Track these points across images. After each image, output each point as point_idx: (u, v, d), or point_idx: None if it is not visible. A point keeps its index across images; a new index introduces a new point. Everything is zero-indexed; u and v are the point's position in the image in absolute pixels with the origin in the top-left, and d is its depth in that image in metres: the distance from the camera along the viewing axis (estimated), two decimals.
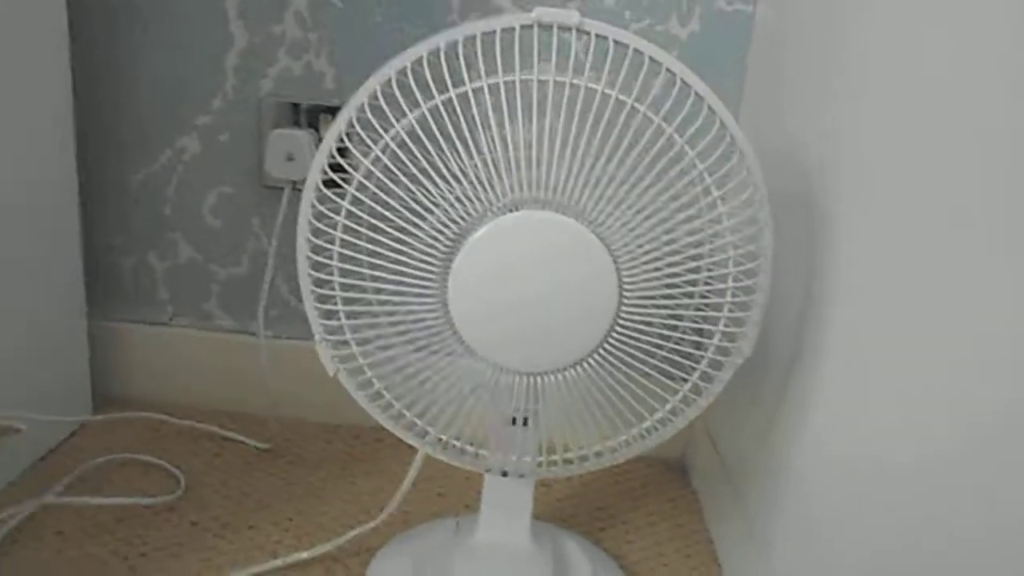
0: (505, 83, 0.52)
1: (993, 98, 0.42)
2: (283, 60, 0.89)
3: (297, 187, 0.91)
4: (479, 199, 0.54)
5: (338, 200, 0.56)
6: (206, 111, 0.91)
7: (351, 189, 0.55)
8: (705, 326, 0.58)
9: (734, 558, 0.75)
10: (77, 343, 0.90)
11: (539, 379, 0.57)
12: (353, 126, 0.55)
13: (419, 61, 0.54)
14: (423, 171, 0.54)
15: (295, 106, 0.90)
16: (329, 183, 0.57)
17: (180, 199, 0.94)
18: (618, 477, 0.92)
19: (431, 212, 0.54)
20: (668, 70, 0.54)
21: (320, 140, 0.90)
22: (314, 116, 0.90)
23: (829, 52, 0.65)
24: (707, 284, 0.56)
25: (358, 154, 0.55)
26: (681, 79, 0.54)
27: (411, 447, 0.63)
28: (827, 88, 0.65)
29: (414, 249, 0.55)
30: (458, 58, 0.53)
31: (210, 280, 0.96)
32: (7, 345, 0.77)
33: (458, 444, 0.63)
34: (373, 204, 0.55)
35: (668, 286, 0.55)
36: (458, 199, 0.54)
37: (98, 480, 0.82)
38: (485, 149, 0.53)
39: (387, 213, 0.55)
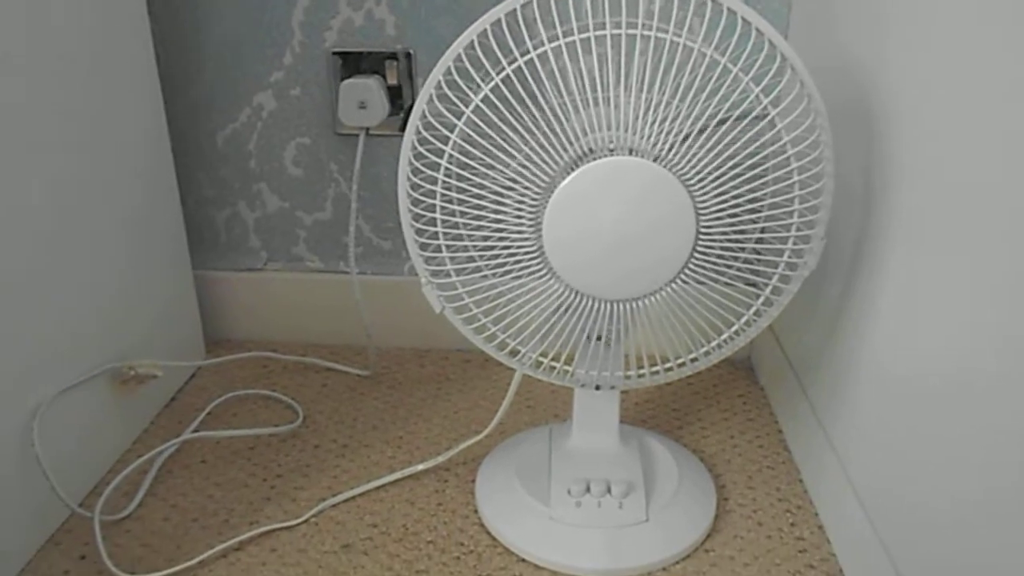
0: (580, 40, 0.57)
1: None
2: (345, 11, 0.93)
3: (370, 133, 0.96)
4: (569, 144, 0.59)
5: (435, 157, 0.62)
6: (278, 68, 0.96)
7: (449, 149, 0.61)
8: (774, 244, 0.63)
9: (801, 444, 0.83)
10: (187, 293, 0.99)
11: (624, 305, 0.64)
12: (441, 87, 0.61)
13: (498, 23, 0.59)
14: (509, 124, 0.59)
15: (359, 55, 0.95)
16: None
17: (262, 152, 1.00)
18: (691, 379, 0.99)
19: (532, 158, 0.60)
20: (729, 9, 0.58)
21: (387, 86, 0.96)
22: (379, 63, 0.95)
23: None
24: (773, 205, 0.62)
25: (447, 113, 0.60)
26: (742, 17, 0.58)
27: (498, 364, 0.71)
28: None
29: (516, 192, 0.61)
30: (535, 18, 0.58)
31: (297, 226, 1.04)
32: (130, 301, 0.86)
33: (554, 364, 0.70)
34: (464, 157, 0.61)
35: (739, 211, 0.61)
36: (547, 146, 0.60)
37: (226, 415, 0.92)
38: (567, 101, 0.58)
39: (488, 162, 0.60)
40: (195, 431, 0.88)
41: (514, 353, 0.69)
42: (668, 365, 0.69)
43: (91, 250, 0.79)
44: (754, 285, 0.65)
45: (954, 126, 0.54)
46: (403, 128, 0.95)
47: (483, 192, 0.61)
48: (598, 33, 0.57)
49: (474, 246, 0.64)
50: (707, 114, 0.57)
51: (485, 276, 0.64)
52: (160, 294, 0.93)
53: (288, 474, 0.82)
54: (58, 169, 0.73)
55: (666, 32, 0.57)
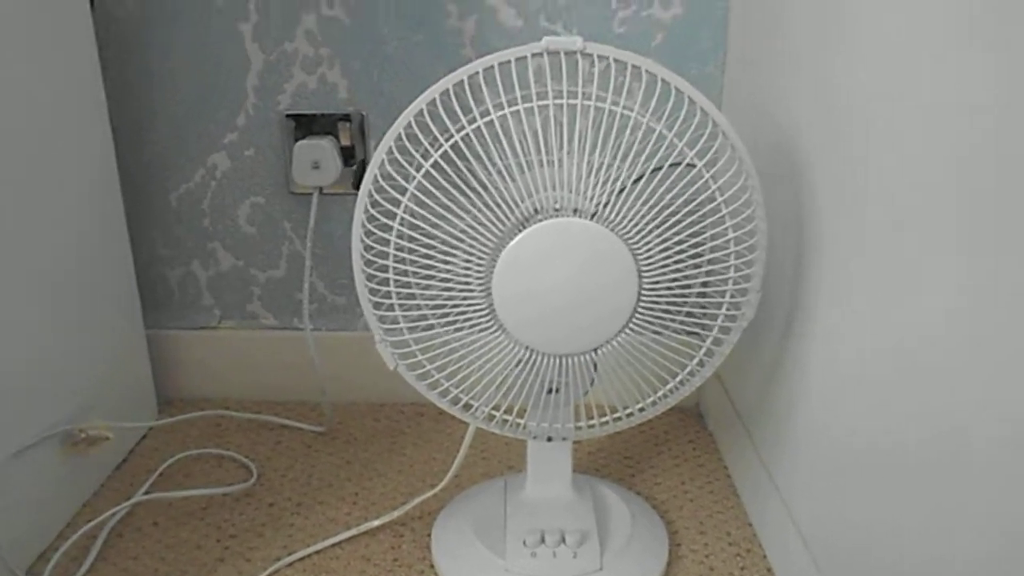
0: (524, 109, 0.60)
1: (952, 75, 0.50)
2: (298, 76, 0.96)
3: (324, 192, 0.98)
4: (516, 205, 0.62)
5: (387, 220, 0.64)
6: (232, 129, 0.98)
7: (400, 211, 0.63)
8: (713, 299, 0.66)
9: (749, 488, 0.85)
10: (139, 352, 0.99)
11: (573, 359, 0.66)
12: (392, 153, 0.63)
13: (446, 93, 0.61)
14: (457, 186, 0.62)
15: (312, 117, 0.98)
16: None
17: (216, 211, 1.02)
18: (642, 427, 1.01)
19: (479, 219, 0.62)
20: (663, 80, 0.62)
21: (340, 147, 0.98)
22: (331, 124, 0.97)
23: (803, 26, 0.72)
24: (711, 263, 0.65)
25: (397, 176, 0.63)
26: (675, 87, 0.61)
27: (452, 418, 0.72)
28: (808, 62, 0.72)
29: (464, 253, 0.63)
30: (480, 86, 0.61)
31: (251, 283, 1.05)
32: (80, 361, 0.86)
33: (506, 417, 0.72)
34: (415, 220, 0.63)
35: (681, 267, 0.64)
36: (494, 207, 0.62)
37: (178, 475, 0.92)
38: (512, 166, 0.61)
39: (437, 223, 0.63)
40: (146, 493, 0.87)
41: (467, 407, 0.71)
42: (618, 415, 0.72)
43: (40, 309, 0.79)
44: (697, 336, 0.68)
45: (875, 183, 0.58)
46: (356, 186, 0.97)
47: (433, 252, 0.64)
48: (541, 103, 0.60)
49: (426, 304, 0.65)
50: (647, 173, 0.61)
51: (438, 333, 0.66)
52: (111, 354, 0.92)
53: (242, 534, 0.82)
54: (6, 227, 0.73)
55: (604, 101, 0.60)
